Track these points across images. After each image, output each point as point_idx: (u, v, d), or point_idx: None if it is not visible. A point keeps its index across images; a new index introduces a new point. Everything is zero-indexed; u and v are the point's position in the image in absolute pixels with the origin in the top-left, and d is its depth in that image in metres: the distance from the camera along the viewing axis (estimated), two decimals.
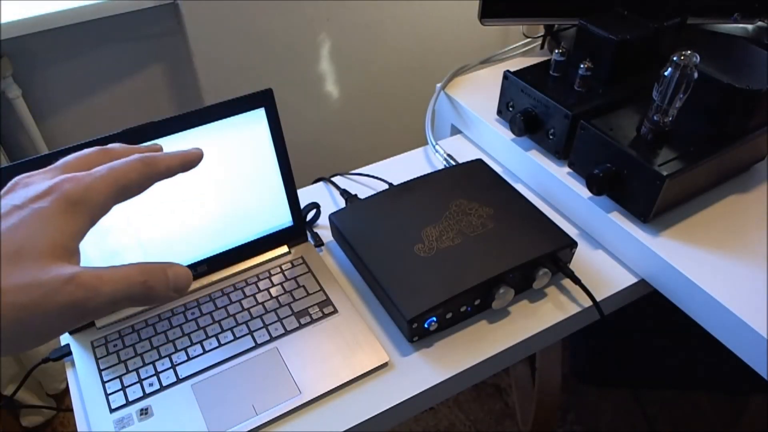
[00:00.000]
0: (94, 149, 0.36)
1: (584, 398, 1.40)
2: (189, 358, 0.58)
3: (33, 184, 0.31)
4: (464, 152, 0.85)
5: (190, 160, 0.38)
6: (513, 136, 0.77)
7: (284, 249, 0.68)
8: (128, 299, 0.29)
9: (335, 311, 0.62)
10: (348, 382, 0.56)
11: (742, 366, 0.57)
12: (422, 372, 0.57)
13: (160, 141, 0.57)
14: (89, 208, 0.31)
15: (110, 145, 0.36)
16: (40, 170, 0.33)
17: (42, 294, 0.27)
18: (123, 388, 0.56)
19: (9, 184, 0.32)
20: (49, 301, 0.27)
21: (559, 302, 0.63)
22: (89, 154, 0.35)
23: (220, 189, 0.62)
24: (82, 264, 0.30)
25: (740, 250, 0.62)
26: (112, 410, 0.54)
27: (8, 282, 0.26)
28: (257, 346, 0.59)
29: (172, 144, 0.58)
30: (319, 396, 0.55)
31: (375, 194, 0.71)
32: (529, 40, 0.98)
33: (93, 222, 0.31)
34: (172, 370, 0.57)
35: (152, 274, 0.31)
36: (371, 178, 0.79)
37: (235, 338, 0.60)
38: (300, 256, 0.68)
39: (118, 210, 0.57)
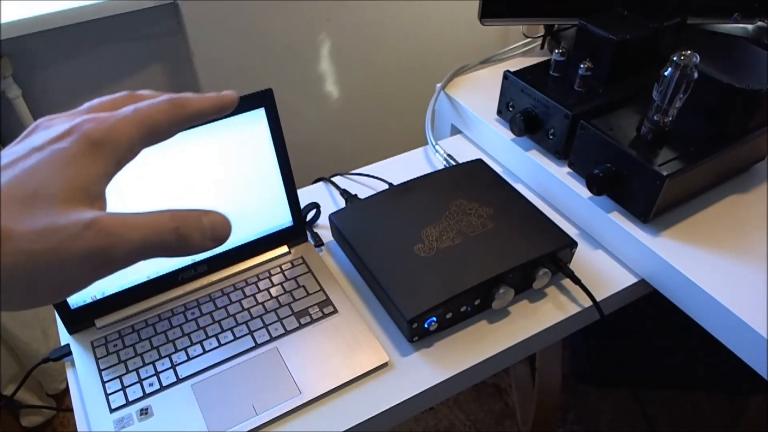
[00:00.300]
0: (122, 93, 0.33)
1: (584, 398, 1.40)
2: (189, 358, 0.58)
3: (54, 125, 0.28)
4: (464, 152, 0.85)
5: (222, 104, 0.34)
6: (513, 136, 0.77)
7: (284, 249, 0.68)
8: (159, 247, 0.27)
9: (335, 311, 0.62)
10: (348, 382, 0.56)
11: (742, 366, 0.57)
12: (422, 372, 0.57)
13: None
14: (113, 149, 0.28)
15: (139, 91, 0.33)
16: (64, 113, 0.30)
17: (59, 240, 0.24)
18: (123, 388, 0.56)
19: (30, 127, 0.29)
20: (67, 248, 0.24)
21: (559, 302, 0.63)
22: (115, 98, 0.32)
23: (220, 189, 0.62)
24: None
25: (740, 250, 0.62)
26: (112, 410, 0.54)
27: (22, 227, 0.23)
28: (257, 346, 0.59)
29: (172, 144, 0.57)
30: (319, 396, 0.55)
31: (375, 194, 0.71)
32: (529, 40, 0.98)
33: (119, 165, 0.28)
34: (172, 370, 0.57)
35: (186, 221, 0.27)
36: (371, 178, 0.79)
37: (235, 338, 0.60)
38: (300, 256, 0.68)
39: (119, 210, 0.57)
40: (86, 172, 0.26)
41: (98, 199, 0.27)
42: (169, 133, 0.31)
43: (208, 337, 0.60)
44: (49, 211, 0.24)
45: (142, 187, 0.58)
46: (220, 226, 0.28)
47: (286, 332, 0.60)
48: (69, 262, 0.24)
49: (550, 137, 0.72)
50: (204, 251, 0.28)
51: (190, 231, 0.27)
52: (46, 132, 0.28)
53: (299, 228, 0.69)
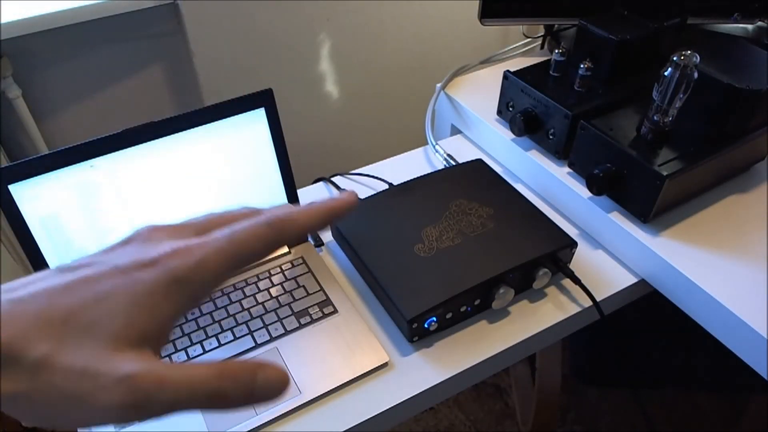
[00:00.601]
0: (241, 209, 0.29)
1: (584, 398, 1.40)
2: (189, 358, 0.58)
3: (150, 242, 0.26)
4: (464, 152, 0.85)
5: (335, 213, 0.29)
6: (513, 136, 0.77)
7: (284, 249, 0.68)
8: (190, 406, 0.24)
9: (335, 311, 0.62)
10: (348, 382, 0.56)
11: (742, 366, 0.57)
12: (422, 372, 0.57)
13: (160, 141, 0.57)
14: (195, 288, 0.25)
15: (259, 207, 0.30)
16: (173, 223, 0.28)
17: (91, 386, 0.22)
18: None
19: (132, 232, 0.27)
20: (93, 395, 0.22)
21: (559, 302, 0.63)
22: (235, 213, 0.29)
23: (220, 189, 0.62)
24: None
25: (740, 250, 0.62)
26: None
27: (64, 361, 0.22)
28: (257, 346, 0.59)
29: (172, 144, 0.58)
30: (319, 396, 0.55)
31: (375, 194, 0.71)
32: (529, 40, 0.98)
33: (195, 304, 0.26)
34: None
35: (234, 379, 0.24)
36: (371, 178, 0.79)
37: (235, 338, 0.60)
38: (300, 256, 0.68)
39: (119, 211, 0.57)
40: (155, 312, 0.25)
41: (154, 341, 0.25)
42: (262, 256, 0.28)
43: (208, 337, 0.60)
44: (96, 349, 0.23)
45: (142, 187, 0.58)
46: (275, 386, 0.25)
47: (286, 332, 0.60)
48: (92, 409, 0.23)
49: (550, 137, 0.72)
50: (242, 409, 0.25)
51: (232, 391, 0.24)
52: (139, 249, 0.26)
53: None
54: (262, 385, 0.25)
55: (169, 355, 0.58)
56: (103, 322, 0.23)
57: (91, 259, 0.25)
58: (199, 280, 0.25)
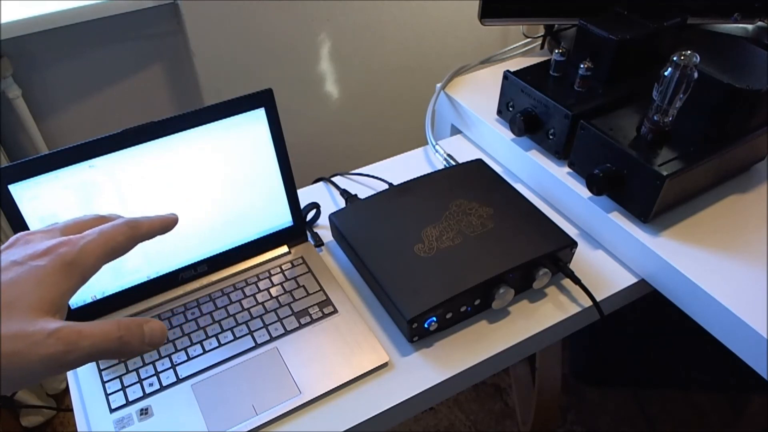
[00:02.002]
0: (90, 216, 0.40)
1: (584, 398, 1.40)
2: (189, 358, 0.58)
3: (33, 242, 0.35)
4: (464, 152, 0.85)
5: (168, 224, 0.42)
6: (513, 136, 0.77)
7: (284, 249, 0.68)
8: (104, 353, 0.32)
9: (335, 311, 0.62)
10: (348, 382, 0.56)
11: (742, 366, 0.57)
12: (422, 372, 0.58)
13: (160, 141, 0.57)
14: (83, 268, 0.34)
15: (104, 213, 0.42)
16: (40, 229, 0.37)
17: (26, 345, 0.30)
18: (123, 388, 0.56)
19: (10, 240, 0.36)
20: (31, 352, 0.30)
21: (559, 302, 0.63)
22: (86, 220, 0.39)
23: (220, 189, 0.62)
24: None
25: (740, 250, 0.62)
26: (112, 410, 0.54)
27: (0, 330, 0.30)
28: (257, 346, 0.59)
29: (172, 144, 0.58)
30: (319, 396, 0.55)
31: (375, 194, 0.71)
32: (529, 40, 0.98)
33: (84, 281, 0.35)
34: (172, 370, 0.57)
35: (129, 330, 0.34)
36: (371, 178, 0.79)
37: (235, 338, 0.60)
38: (300, 256, 0.68)
39: (119, 210, 0.57)
40: (57, 288, 0.33)
41: (61, 309, 0.33)
42: (126, 249, 0.38)
43: (208, 337, 0.60)
44: (22, 319, 0.30)
45: (143, 188, 0.58)
46: (156, 334, 0.35)
47: (286, 332, 0.60)
48: (32, 363, 0.30)
49: (550, 137, 0.72)
50: (142, 354, 0.36)
51: (130, 338, 0.34)
52: (26, 248, 0.34)
53: (299, 228, 0.69)
54: (149, 334, 0.35)
55: (169, 355, 0.58)
56: (22, 299, 0.31)
57: None
58: (84, 263, 0.34)
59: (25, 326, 0.30)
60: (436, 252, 0.62)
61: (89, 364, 0.57)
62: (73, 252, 0.34)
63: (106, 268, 0.59)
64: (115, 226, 0.37)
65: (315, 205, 0.73)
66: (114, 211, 0.58)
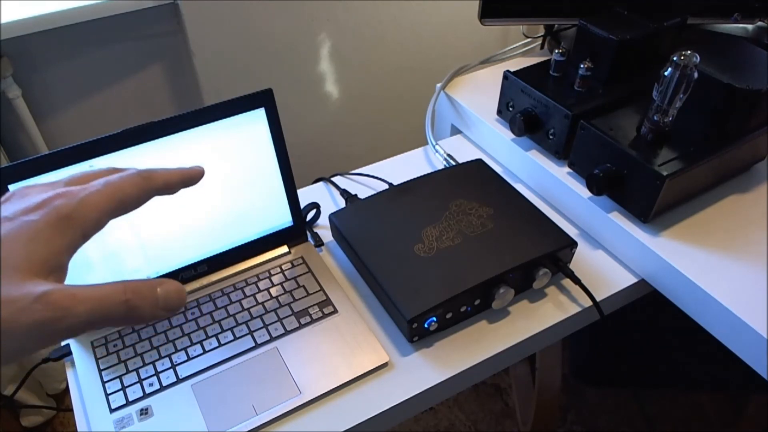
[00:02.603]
0: (101, 168, 0.35)
1: (584, 398, 1.40)
2: (189, 358, 0.58)
3: (29, 195, 0.31)
4: (464, 152, 0.85)
5: (190, 176, 0.37)
6: (513, 136, 0.77)
7: (284, 249, 0.68)
8: (107, 319, 0.28)
9: (335, 311, 0.62)
10: (348, 382, 0.56)
11: (742, 366, 0.57)
12: (422, 372, 0.57)
13: (160, 141, 0.57)
14: (81, 222, 0.30)
15: (118, 167, 0.36)
16: (42, 183, 0.32)
17: (10, 311, 0.25)
18: (123, 388, 0.56)
19: (7, 194, 0.31)
20: (16, 320, 0.26)
21: (559, 302, 0.63)
22: (96, 171, 0.34)
23: (220, 189, 0.62)
24: (86, 277, 0.30)
25: (740, 250, 0.62)
26: (112, 410, 0.54)
27: None
28: (257, 346, 0.59)
29: (172, 144, 0.58)
30: (319, 396, 0.55)
31: (375, 194, 0.71)
32: (529, 40, 0.98)
33: (85, 237, 0.30)
34: (172, 370, 0.57)
35: (138, 292, 0.29)
36: (371, 178, 0.79)
37: (235, 338, 0.60)
38: (300, 256, 0.68)
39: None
40: (50, 245, 0.28)
41: (57, 271, 0.29)
42: (138, 203, 0.33)
43: (208, 337, 0.60)
44: (7, 281, 0.26)
45: None
46: (173, 296, 0.30)
47: (286, 332, 0.60)
48: (16, 332, 0.25)
49: (550, 137, 0.72)
50: (157, 320, 0.31)
51: (140, 302, 0.29)
52: (20, 202, 0.30)
53: (299, 228, 0.69)
54: (165, 296, 0.29)
55: (169, 355, 0.58)
56: (7, 258, 0.27)
57: None
58: (83, 217, 0.30)
59: (11, 290, 0.26)
60: (436, 252, 0.62)
61: (90, 365, 0.58)
62: (71, 204, 0.29)
63: (106, 268, 0.59)
64: (125, 176, 0.32)
65: (315, 205, 0.73)
66: None
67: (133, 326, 0.29)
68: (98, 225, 0.31)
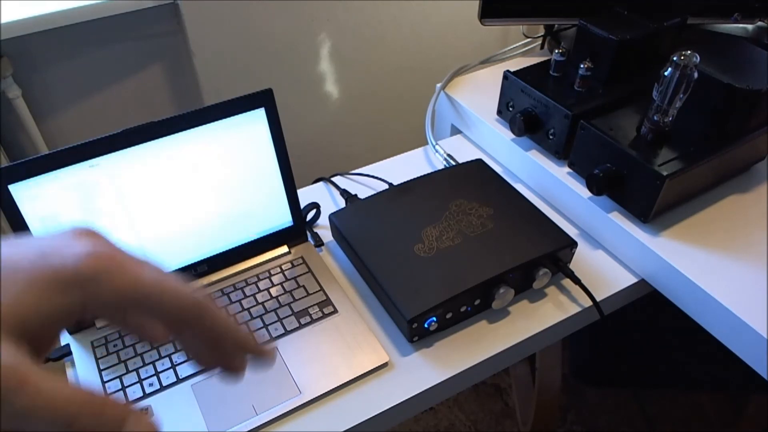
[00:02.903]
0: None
1: (584, 398, 1.40)
2: (189, 358, 0.58)
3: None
4: (464, 152, 0.85)
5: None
6: (513, 136, 0.77)
7: (284, 249, 0.68)
8: (40, 425, 0.20)
9: (335, 311, 0.62)
10: (348, 382, 0.56)
11: (742, 366, 0.57)
12: (422, 372, 0.57)
13: (160, 141, 0.57)
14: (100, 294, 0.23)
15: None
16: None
17: None
18: (123, 388, 0.56)
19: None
20: None
21: (559, 302, 0.63)
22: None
23: (220, 189, 0.62)
24: None
25: (740, 250, 0.62)
26: None
27: None
28: None
29: (172, 144, 0.58)
30: (319, 396, 0.55)
31: (375, 194, 0.71)
32: (529, 40, 0.98)
33: (87, 314, 0.23)
34: (172, 370, 0.57)
35: (98, 416, 0.21)
36: (371, 178, 0.79)
37: None
38: (300, 256, 0.68)
39: (119, 211, 0.57)
40: (43, 302, 0.22)
41: (34, 338, 0.22)
42: (162, 314, 0.25)
43: None
44: None
45: (142, 187, 0.58)
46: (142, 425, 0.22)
47: (286, 332, 0.60)
48: None
49: (550, 137, 0.72)
50: None
51: (88, 422, 0.21)
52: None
53: (299, 228, 0.69)
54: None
55: (169, 355, 0.58)
56: None
57: None
58: (109, 281, 0.23)
59: None
60: (436, 252, 0.62)
61: (90, 365, 0.57)
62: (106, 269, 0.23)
63: None
64: (184, 290, 0.25)
65: (315, 205, 0.73)
66: (114, 211, 0.58)
67: None
68: (120, 299, 0.24)
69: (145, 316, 0.25)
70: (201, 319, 0.25)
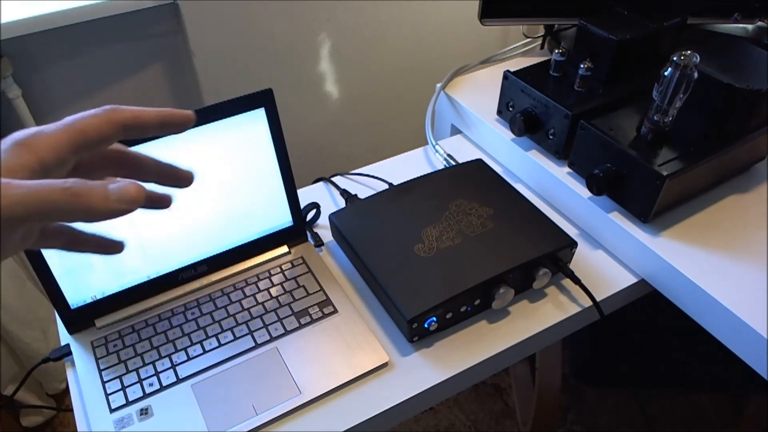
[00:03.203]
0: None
1: (584, 398, 1.40)
2: (189, 358, 0.58)
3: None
4: (464, 152, 0.85)
5: (170, 118, 0.34)
6: (513, 136, 0.77)
7: (284, 249, 0.68)
8: (48, 206, 0.26)
9: (335, 311, 0.62)
10: (348, 382, 0.56)
11: (742, 366, 0.57)
12: (422, 372, 0.57)
13: (160, 141, 0.57)
14: (39, 149, 0.29)
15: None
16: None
17: None
18: (123, 388, 0.56)
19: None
20: None
21: (559, 302, 0.63)
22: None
23: (220, 189, 0.62)
24: None
25: (740, 250, 0.62)
26: (112, 410, 0.54)
27: None
28: (257, 346, 0.59)
29: (172, 144, 0.58)
30: (319, 396, 0.55)
31: (375, 194, 0.71)
32: (529, 40, 0.98)
33: (42, 164, 0.29)
34: (172, 370, 0.57)
35: (83, 183, 0.27)
36: (371, 178, 0.79)
37: (235, 338, 0.60)
38: (300, 256, 0.68)
39: None
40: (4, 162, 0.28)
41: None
42: (101, 136, 0.31)
43: (208, 337, 0.60)
44: None
45: None
46: (130, 188, 0.28)
47: (286, 332, 0.60)
48: None
49: (550, 137, 0.72)
50: (111, 214, 0.27)
51: (85, 190, 0.27)
52: None
53: (299, 228, 0.69)
54: (117, 188, 0.28)
55: (169, 355, 0.58)
56: None
57: None
58: (41, 143, 0.29)
59: None
60: (436, 252, 0.62)
61: (90, 365, 0.57)
62: (29, 133, 0.29)
63: (106, 268, 0.59)
64: (88, 112, 0.31)
65: (315, 205, 0.73)
66: None
67: (88, 220, 0.27)
68: (57, 154, 0.29)
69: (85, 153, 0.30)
70: (120, 129, 0.31)
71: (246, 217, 0.65)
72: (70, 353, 0.60)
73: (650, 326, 1.02)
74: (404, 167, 0.81)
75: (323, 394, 0.55)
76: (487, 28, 0.87)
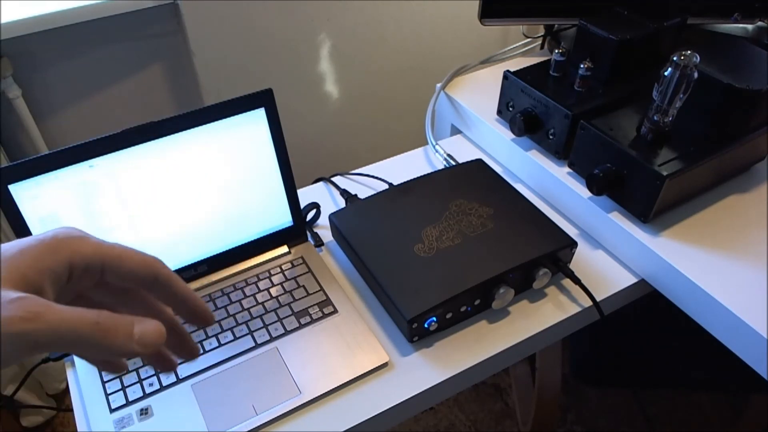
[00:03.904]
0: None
1: (584, 398, 1.40)
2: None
3: None
4: (464, 152, 0.85)
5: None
6: (513, 136, 0.77)
7: (284, 249, 0.68)
8: (78, 337, 0.27)
9: (335, 311, 0.62)
10: (348, 382, 0.56)
11: (742, 366, 0.57)
12: (422, 372, 0.57)
13: (160, 141, 0.57)
14: (73, 250, 0.30)
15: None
16: None
17: None
18: (123, 388, 0.56)
19: None
20: None
21: (559, 302, 0.63)
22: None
23: (220, 189, 0.62)
24: None
25: (740, 250, 0.62)
26: (112, 410, 0.54)
27: None
28: (257, 346, 0.59)
29: (172, 144, 0.58)
30: (319, 396, 0.55)
31: (375, 194, 0.71)
32: (529, 40, 0.98)
33: (71, 267, 0.30)
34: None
35: (112, 318, 0.28)
36: (371, 178, 0.79)
37: (235, 338, 0.60)
38: (300, 256, 0.68)
39: (119, 211, 0.57)
40: (36, 262, 0.29)
41: (37, 291, 0.28)
42: (127, 275, 0.32)
43: (208, 337, 0.60)
44: None
45: (142, 187, 0.58)
46: (151, 333, 0.29)
47: (286, 332, 0.60)
48: None
49: (550, 137, 0.72)
50: (130, 354, 0.29)
51: (113, 328, 0.28)
52: None
53: (299, 228, 0.69)
54: (141, 331, 0.29)
55: None
56: None
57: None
58: (77, 246, 0.30)
59: None
60: (436, 252, 0.62)
61: (90, 364, 0.58)
62: (71, 233, 0.31)
63: None
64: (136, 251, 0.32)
65: (315, 205, 0.73)
66: (114, 212, 0.58)
67: (107, 352, 0.28)
68: (89, 260, 0.30)
69: (114, 278, 0.31)
70: (157, 275, 0.32)
71: (246, 217, 0.65)
72: (70, 353, 0.60)
73: (650, 326, 1.02)
74: (404, 167, 0.81)
75: (323, 394, 0.55)
76: (487, 28, 0.88)
